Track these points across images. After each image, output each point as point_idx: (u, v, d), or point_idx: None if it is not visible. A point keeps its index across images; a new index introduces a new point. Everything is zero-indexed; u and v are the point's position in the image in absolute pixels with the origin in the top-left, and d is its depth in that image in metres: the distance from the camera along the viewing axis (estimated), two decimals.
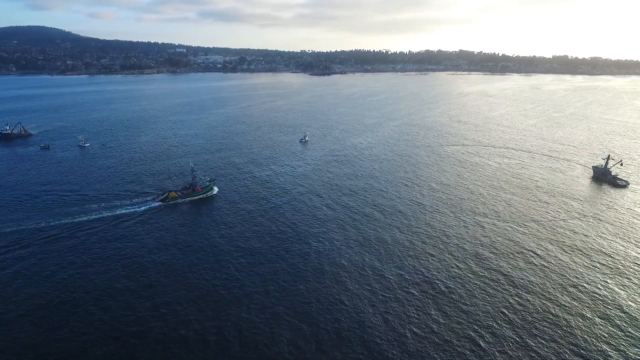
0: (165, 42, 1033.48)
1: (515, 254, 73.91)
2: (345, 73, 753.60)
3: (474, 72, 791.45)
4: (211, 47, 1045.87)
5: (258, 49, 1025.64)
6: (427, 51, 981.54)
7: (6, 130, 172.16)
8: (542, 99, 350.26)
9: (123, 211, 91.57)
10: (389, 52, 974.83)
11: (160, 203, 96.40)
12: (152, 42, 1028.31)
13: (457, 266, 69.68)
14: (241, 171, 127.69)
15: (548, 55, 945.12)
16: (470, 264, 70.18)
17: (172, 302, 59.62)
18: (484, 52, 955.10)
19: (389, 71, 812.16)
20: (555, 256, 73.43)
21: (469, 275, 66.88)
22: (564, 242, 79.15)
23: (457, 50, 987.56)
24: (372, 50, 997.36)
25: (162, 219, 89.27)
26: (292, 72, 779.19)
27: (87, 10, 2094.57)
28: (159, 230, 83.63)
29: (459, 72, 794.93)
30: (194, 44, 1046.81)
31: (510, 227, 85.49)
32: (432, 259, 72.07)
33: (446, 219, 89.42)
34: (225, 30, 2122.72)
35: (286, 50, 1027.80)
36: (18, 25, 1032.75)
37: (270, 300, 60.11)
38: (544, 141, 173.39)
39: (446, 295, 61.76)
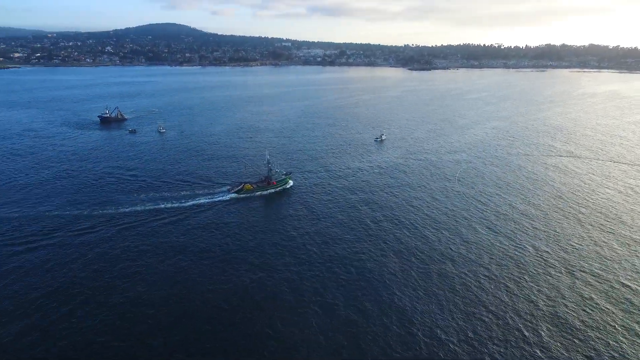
0: (274, 37, 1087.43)
1: (623, 333, 51.15)
2: (448, 68, 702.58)
3: (605, 70, 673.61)
4: (315, 41, 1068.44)
5: (360, 43, 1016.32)
6: (548, 45, 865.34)
7: (105, 114, 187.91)
8: None
9: (198, 201, 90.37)
10: (502, 47, 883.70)
11: (235, 195, 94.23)
12: (263, 36, 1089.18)
13: (524, 338, 50.03)
14: (312, 167, 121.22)
15: None
16: (548, 342, 49.86)
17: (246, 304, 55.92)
18: (621, 46, 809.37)
19: (499, 67, 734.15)
20: None
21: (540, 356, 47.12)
22: None
23: (585, 44, 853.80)
24: (481, 44, 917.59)
25: (238, 212, 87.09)
26: (390, 67, 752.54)
27: (212, 8, 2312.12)
28: (234, 223, 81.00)
29: (585, 70, 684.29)
30: (300, 39, 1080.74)
31: (620, 290, 61.04)
32: (489, 317, 53.20)
33: (522, 260, 67.92)
34: (331, 24, 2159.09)
35: (389, 44, 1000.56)
36: (155, 22, 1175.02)
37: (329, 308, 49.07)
38: None
39: None
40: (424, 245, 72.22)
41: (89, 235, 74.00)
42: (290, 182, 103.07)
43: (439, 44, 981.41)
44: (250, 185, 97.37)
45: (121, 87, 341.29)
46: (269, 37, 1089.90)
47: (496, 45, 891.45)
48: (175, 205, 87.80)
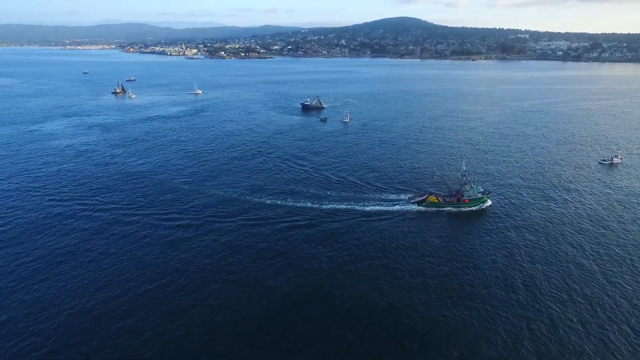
0: (510, 28, 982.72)
1: None
2: None
3: None
4: (562, 32, 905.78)
5: (626, 34, 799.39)
6: None
7: (307, 102, 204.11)
8: None
9: (373, 207, 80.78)
10: None
11: (416, 206, 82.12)
12: (497, 28, 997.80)
13: None
14: (513, 186, 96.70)
15: None
16: None
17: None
18: None
19: None
20: None
21: None
22: None
23: None
24: None
25: (417, 231, 73.61)
26: None
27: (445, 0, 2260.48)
28: (413, 243, 69.14)
29: None
30: (542, 29, 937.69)
31: None
32: None
33: None
34: (590, 10, 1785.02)
35: None
36: (389, 17, 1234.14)
37: None
38: None
39: None
40: None
41: (258, 228, 73.18)
42: (488, 202, 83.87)
43: None
44: (435, 198, 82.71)
45: (336, 75, 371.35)
46: (504, 28, 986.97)
47: None
48: (346, 207, 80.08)
